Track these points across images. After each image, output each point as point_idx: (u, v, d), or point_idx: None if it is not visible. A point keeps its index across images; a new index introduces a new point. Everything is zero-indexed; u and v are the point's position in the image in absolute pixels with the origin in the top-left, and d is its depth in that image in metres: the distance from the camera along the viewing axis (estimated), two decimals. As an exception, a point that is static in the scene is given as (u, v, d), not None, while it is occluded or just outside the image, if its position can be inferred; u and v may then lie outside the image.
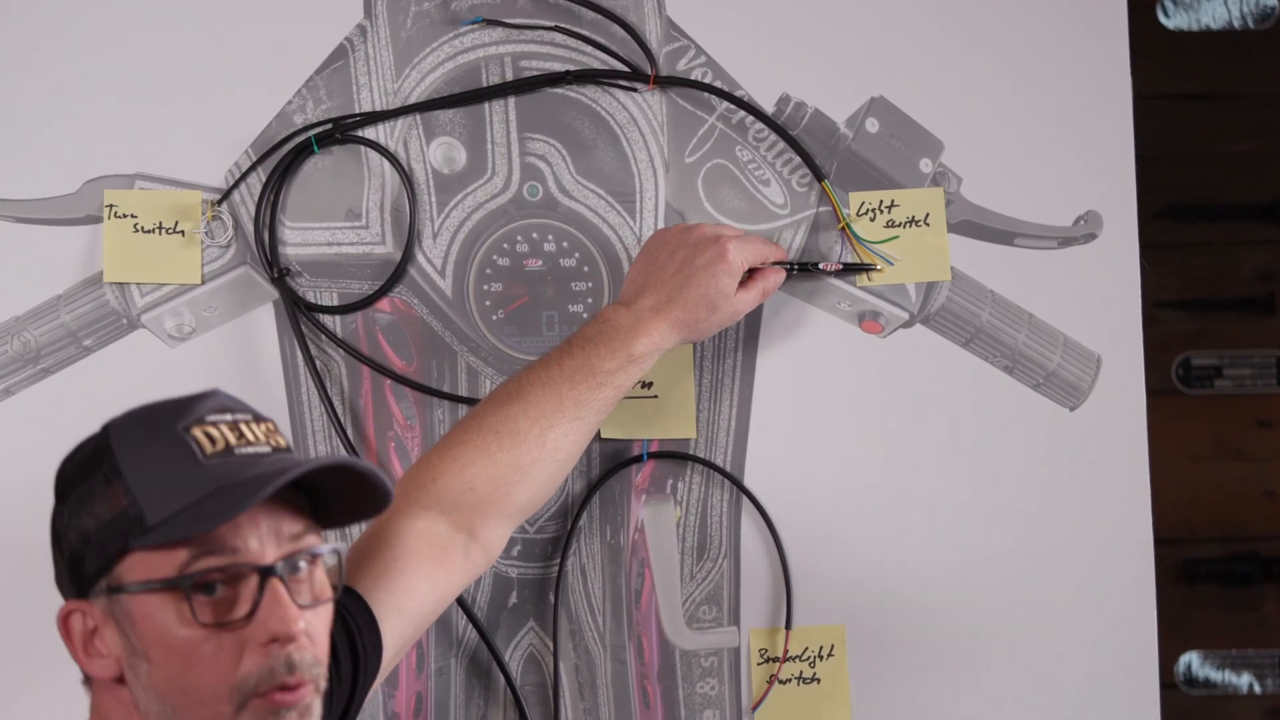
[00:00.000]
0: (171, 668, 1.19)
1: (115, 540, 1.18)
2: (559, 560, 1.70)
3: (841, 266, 1.68)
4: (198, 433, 1.20)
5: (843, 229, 1.70)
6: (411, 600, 1.46)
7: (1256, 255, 1.77)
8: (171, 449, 1.19)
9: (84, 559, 1.19)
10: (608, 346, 1.54)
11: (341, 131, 1.70)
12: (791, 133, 1.71)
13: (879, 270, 1.69)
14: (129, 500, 1.18)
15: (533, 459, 1.52)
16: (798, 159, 1.71)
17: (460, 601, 1.68)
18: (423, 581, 1.47)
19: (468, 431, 1.52)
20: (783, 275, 1.63)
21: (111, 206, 1.69)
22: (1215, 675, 1.75)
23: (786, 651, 1.70)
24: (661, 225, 1.70)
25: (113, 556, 1.18)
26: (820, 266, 1.68)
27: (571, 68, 1.70)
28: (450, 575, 1.50)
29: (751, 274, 1.61)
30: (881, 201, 1.70)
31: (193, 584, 1.18)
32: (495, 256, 1.70)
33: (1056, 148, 1.72)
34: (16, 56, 1.70)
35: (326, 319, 1.70)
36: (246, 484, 1.17)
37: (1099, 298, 1.72)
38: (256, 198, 1.69)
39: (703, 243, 1.58)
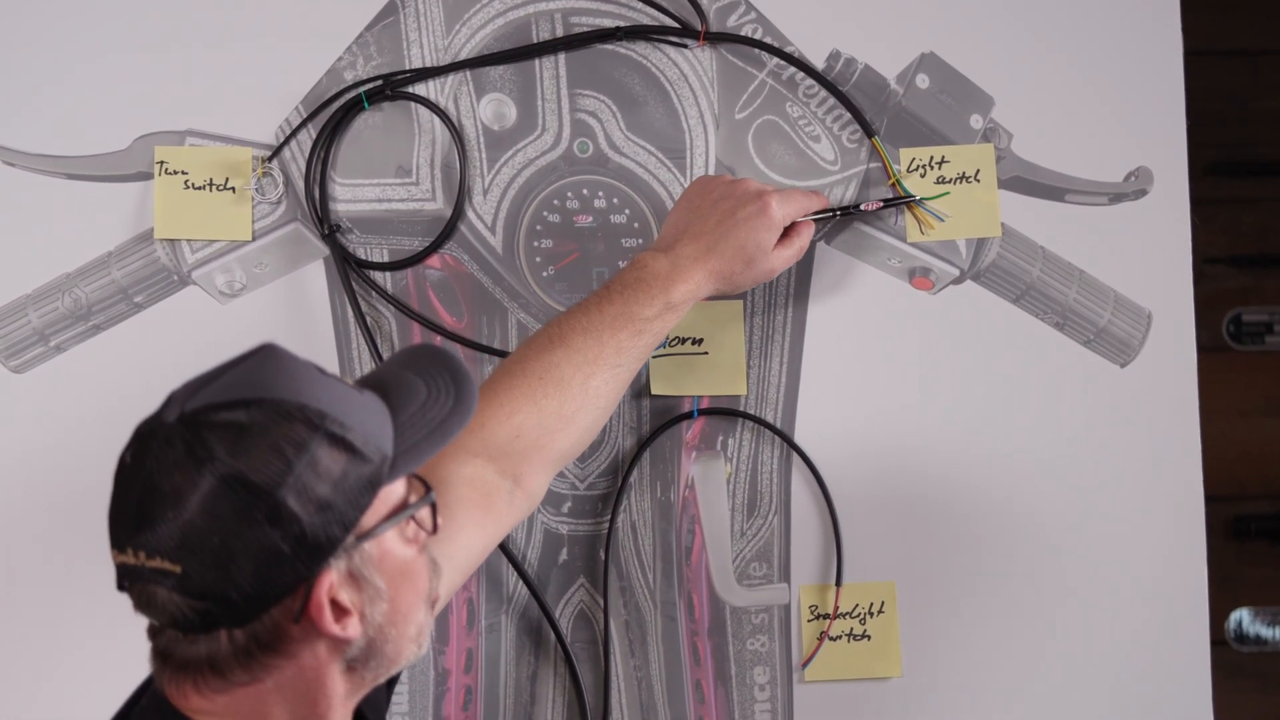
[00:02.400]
0: (403, 594, 1.23)
1: (365, 488, 1.17)
2: (609, 517, 1.70)
3: (882, 204, 1.68)
4: (330, 374, 1.22)
5: (893, 185, 1.70)
6: (462, 550, 1.46)
7: (1307, 212, 1.77)
8: (343, 388, 1.20)
9: (328, 525, 1.15)
10: (646, 293, 1.53)
11: (392, 88, 1.70)
12: (842, 89, 1.70)
13: (915, 197, 1.68)
14: (364, 444, 1.17)
15: (576, 406, 1.52)
16: (848, 115, 1.70)
17: (510, 558, 1.69)
18: (472, 529, 1.47)
19: (512, 376, 1.52)
20: (813, 228, 1.62)
21: (162, 163, 1.69)
22: (1266, 632, 1.75)
23: (837, 608, 1.70)
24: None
25: (363, 505, 1.17)
26: (861, 207, 1.67)
27: (622, 24, 1.70)
28: (497, 522, 1.50)
29: (788, 231, 1.60)
30: (932, 157, 1.70)
31: (418, 507, 1.24)
32: (545, 213, 1.70)
33: (1107, 104, 1.72)
34: (68, 13, 1.70)
35: (377, 275, 1.70)
36: (431, 402, 1.25)
37: (1150, 254, 1.71)
38: (307, 154, 1.69)
39: (747, 196, 1.57)
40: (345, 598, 1.18)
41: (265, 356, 1.20)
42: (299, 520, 1.14)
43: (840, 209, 1.66)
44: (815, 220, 1.63)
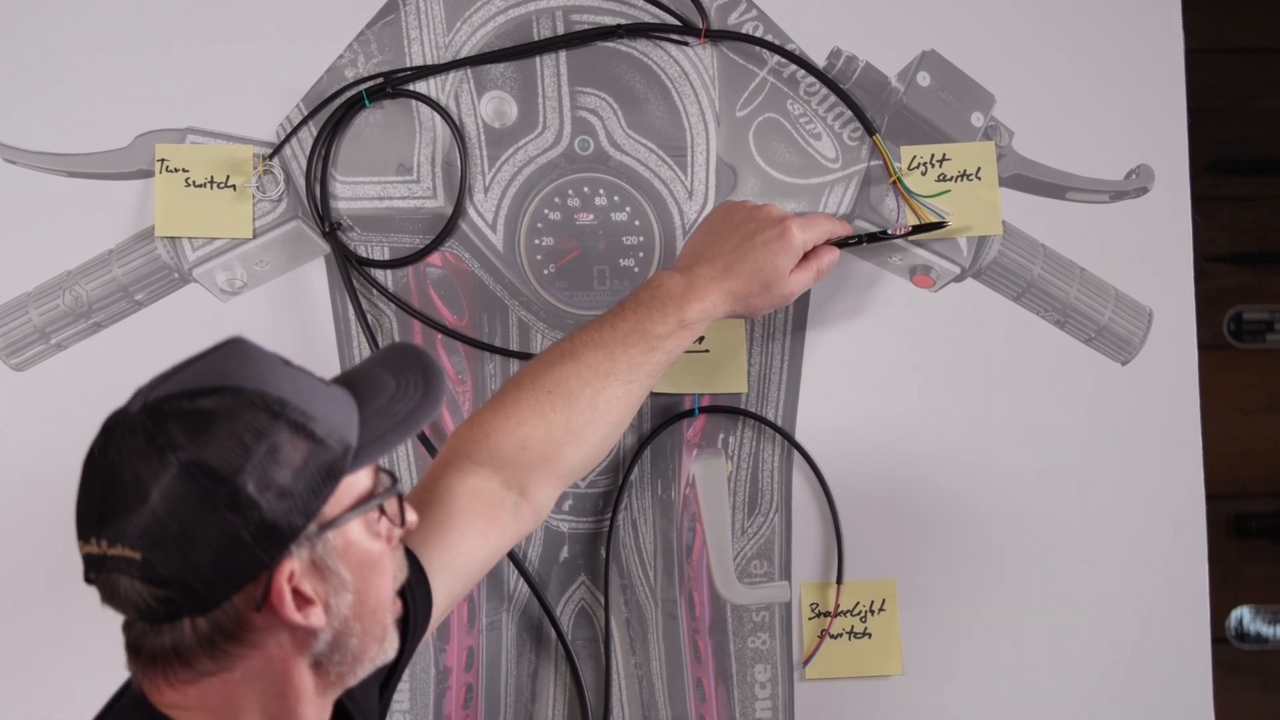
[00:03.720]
0: (369, 588, 1.23)
1: (326, 477, 1.17)
2: (610, 515, 1.70)
3: (910, 230, 1.67)
4: (296, 366, 1.22)
5: (894, 183, 1.70)
6: (462, 557, 1.46)
7: (1308, 210, 1.77)
8: (309, 379, 1.20)
9: (289, 513, 1.16)
10: (660, 310, 1.53)
11: (393, 85, 1.70)
12: (843, 86, 1.70)
13: (946, 224, 1.67)
14: (326, 433, 1.18)
15: (585, 420, 1.51)
16: (849, 113, 1.70)
17: (512, 556, 1.69)
18: (474, 538, 1.47)
19: (521, 390, 1.52)
20: (836, 254, 1.61)
21: (163, 161, 1.69)
22: (1267, 630, 1.75)
23: (838, 606, 1.70)
24: (713, 179, 1.70)
25: (325, 494, 1.18)
26: (889, 232, 1.66)
27: (623, 21, 1.70)
28: (500, 533, 1.50)
29: (807, 255, 1.59)
30: (933, 155, 1.70)
31: (383, 498, 1.23)
32: (546, 210, 1.70)
33: (1108, 101, 1.72)
34: (68, 11, 1.70)
35: (378, 273, 1.70)
36: (399, 394, 1.25)
37: (1151, 252, 1.71)
38: (308, 152, 1.69)
39: (767, 221, 1.56)
40: (308, 587, 1.18)
41: (231, 348, 1.21)
42: (259, 507, 1.14)
43: (867, 235, 1.65)
44: (840, 247, 1.61)
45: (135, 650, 1.21)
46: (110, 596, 1.18)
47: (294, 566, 1.17)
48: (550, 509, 1.55)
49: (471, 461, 1.49)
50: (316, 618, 1.19)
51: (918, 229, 1.66)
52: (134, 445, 1.15)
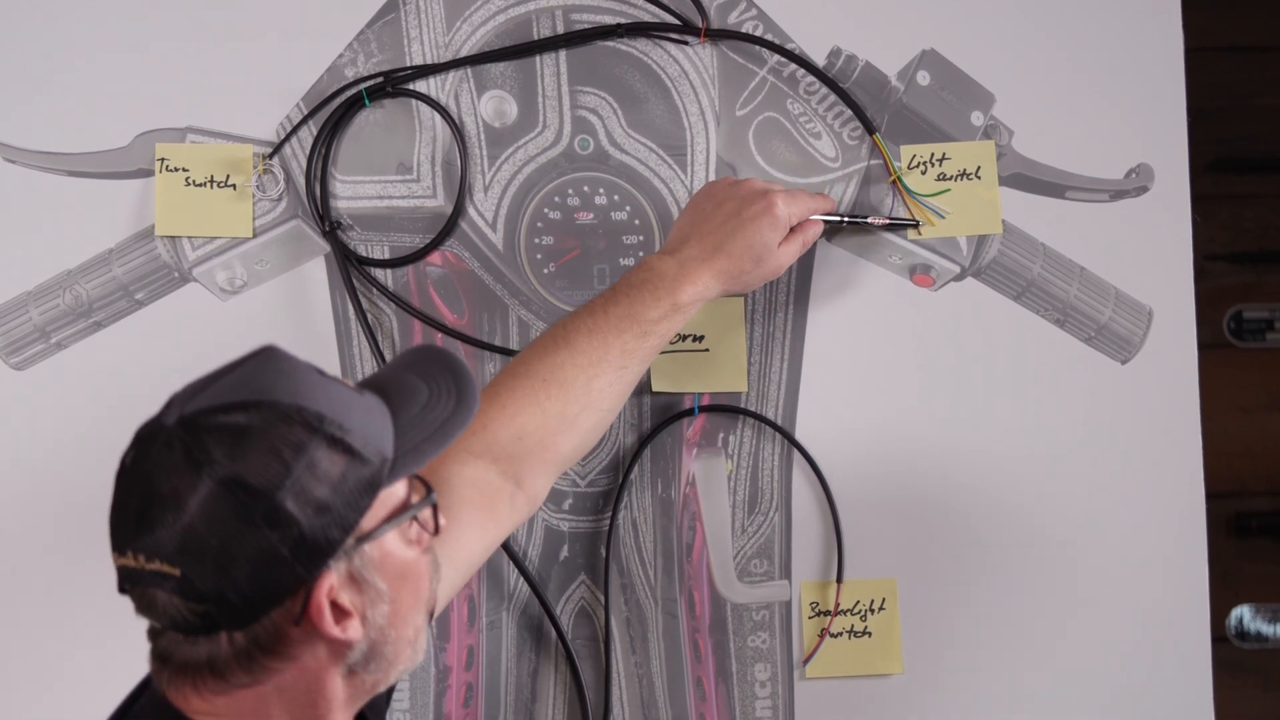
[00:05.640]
0: (405, 596, 1.22)
1: (364, 491, 1.17)
2: (610, 514, 1.70)
3: (889, 221, 1.68)
4: (330, 375, 1.21)
5: (894, 182, 1.70)
6: (464, 550, 1.46)
7: (1308, 208, 1.77)
8: (343, 389, 1.20)
9: (327, 527, 1.15)
10: (653, 294, 1.53)
11: (393, 85, 1.70)
12: (843, 86, 1.70)
13: (921, 227, 1.68)
14: (363, 446, 1.17)
15: (579, 408, 1.51)
16: (849, 112, 1.70)
17: (512, 555, 1.69)
18: (473, 530, 1.47)
19: (516, 378, 1.51)
20: (820, 227, 1.62)
21: (163, 160, 1.69)
22: (1267, 629, 1.75)
23: (838, 605, 1.70)
24: (712, 178, 1.70)
25: (363, 507, 1.17)
26: (869, 221, 1.67)
27: (622, 20, 1.70)
28: (498, 524, 1.49)
29: (793, 228, 1.60)
30: (933, 154, 1.70)
31: (419, 508, 1.23)
32: (546, 210, 1.70)
33: (1108, 100, 1.72)
34: (68, 10, 1.70)
35: (378, 272, 1.70)
36: (431, 403, 1.25)
37: (1150, 251, 1.71)
38: (308, 151, 1.69)
39: (751, 195, 1.57)
40: (346, 599, 1.18)
41: (265, 359, 1.20)
42: (297, 523, 1.14)
43: (849, 217, 1.66)
44: (822, 221, 1.63)
45: (164, 659, 1.20)
46: (146, 609, 1.17)
47: (332, 580, 1.17)
48: (543, 498, 1.54)
49: (468, 452, 1.49)
50: (354, 630, 1.19)
51: (894, 221, 1.68)
52: (171, 460, 1.14)
